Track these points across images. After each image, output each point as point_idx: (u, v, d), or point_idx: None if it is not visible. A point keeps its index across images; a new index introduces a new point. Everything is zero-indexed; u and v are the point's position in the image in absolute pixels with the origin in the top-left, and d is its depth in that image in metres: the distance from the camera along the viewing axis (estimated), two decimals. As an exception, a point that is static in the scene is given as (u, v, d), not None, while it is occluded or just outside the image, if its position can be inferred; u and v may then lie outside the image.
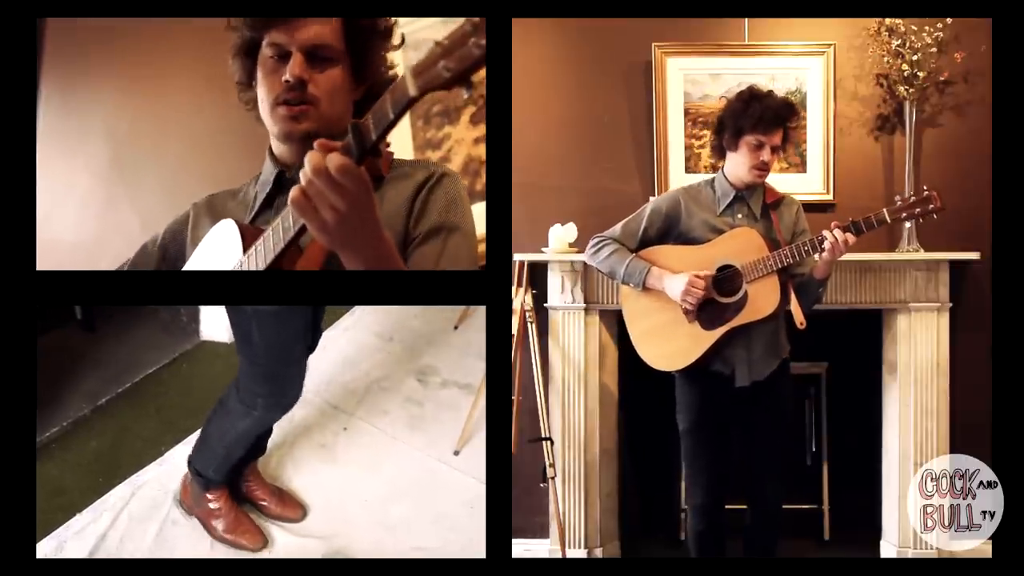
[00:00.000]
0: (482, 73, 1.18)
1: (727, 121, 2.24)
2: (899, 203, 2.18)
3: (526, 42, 2.98)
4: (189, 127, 3.03)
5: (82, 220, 3.09)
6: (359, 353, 2.97)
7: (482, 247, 1.95)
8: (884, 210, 2.16)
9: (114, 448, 2.49)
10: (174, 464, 2.41)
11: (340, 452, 2.50)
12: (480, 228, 1.95)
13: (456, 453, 2.49)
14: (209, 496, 2.17)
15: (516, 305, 2.82)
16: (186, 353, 2.91)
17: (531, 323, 2.87)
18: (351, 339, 3.04)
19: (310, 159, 1.24)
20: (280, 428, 2.53)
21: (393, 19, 1.70)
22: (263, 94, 1.61)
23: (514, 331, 2.78)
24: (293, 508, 2.28)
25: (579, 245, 2.82)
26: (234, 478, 2.23)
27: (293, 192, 1.27)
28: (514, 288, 2.86)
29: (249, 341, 1.84)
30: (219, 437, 2.08)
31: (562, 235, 2.89)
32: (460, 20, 1.12)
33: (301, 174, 1.26)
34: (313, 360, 2.10)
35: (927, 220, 2.78)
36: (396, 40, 1.69)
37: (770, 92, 2.24)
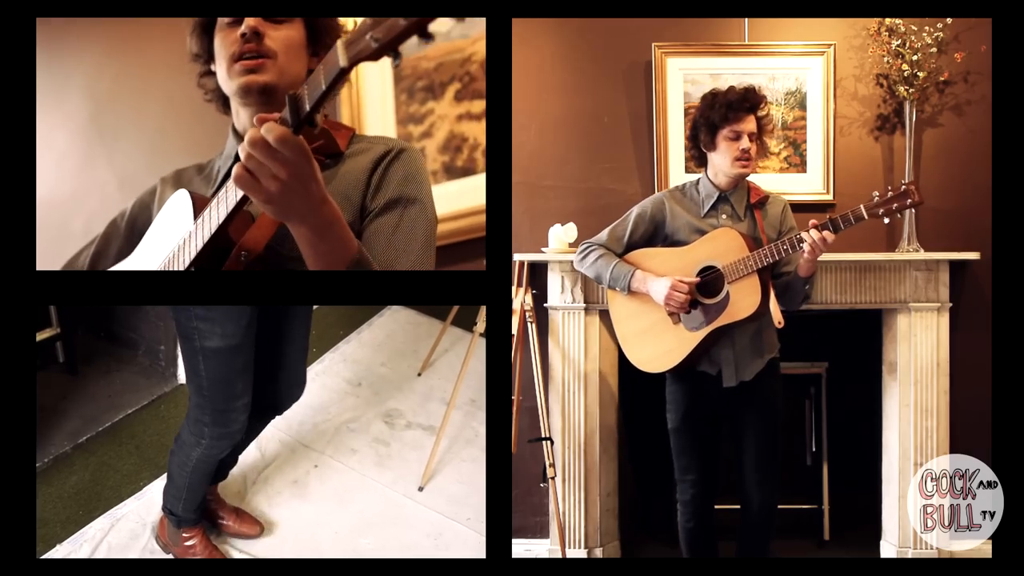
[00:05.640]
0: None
1: (699, 124, 2.27)
2: (876, 199, 2.14)
3: (526, 42, 2.98)
4: (170, 90, 2.93)
5: (58, 178, 3.03)
6: (330, 397, 3.07)
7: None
8: (861, 206, 2.12)
9: (94, 483, 2.54)
10: (152, 498, 2.47)
11: (312, 488, 2.59)
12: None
13: (420, 489, 2.59)
14: (184, 535, 2.21)
15: (516, 305, 2.82)
16: (163, 395, 2.97)
17: (531, 323, 2.88)
18: (322, 384, 3.13)
19: (249, 134, 1.26)
20: (255, 465, 2.62)
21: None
22: (221, 57, 1.61)
23: (514, 331, 2.78)
24: (250, 525, 2.35)
25: (579, 245, 2.82)
26: (204, 515, 2.27)
27: (236, 169, 1.28)
28: (514, 288, 2.86)
29: (197, 373, 1.89)
30: (179, 470, 2.12)
31: (562, 235, 2.89)
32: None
33: (240, 149, 1.27)
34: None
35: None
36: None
37: (731, 86, 2.26)
